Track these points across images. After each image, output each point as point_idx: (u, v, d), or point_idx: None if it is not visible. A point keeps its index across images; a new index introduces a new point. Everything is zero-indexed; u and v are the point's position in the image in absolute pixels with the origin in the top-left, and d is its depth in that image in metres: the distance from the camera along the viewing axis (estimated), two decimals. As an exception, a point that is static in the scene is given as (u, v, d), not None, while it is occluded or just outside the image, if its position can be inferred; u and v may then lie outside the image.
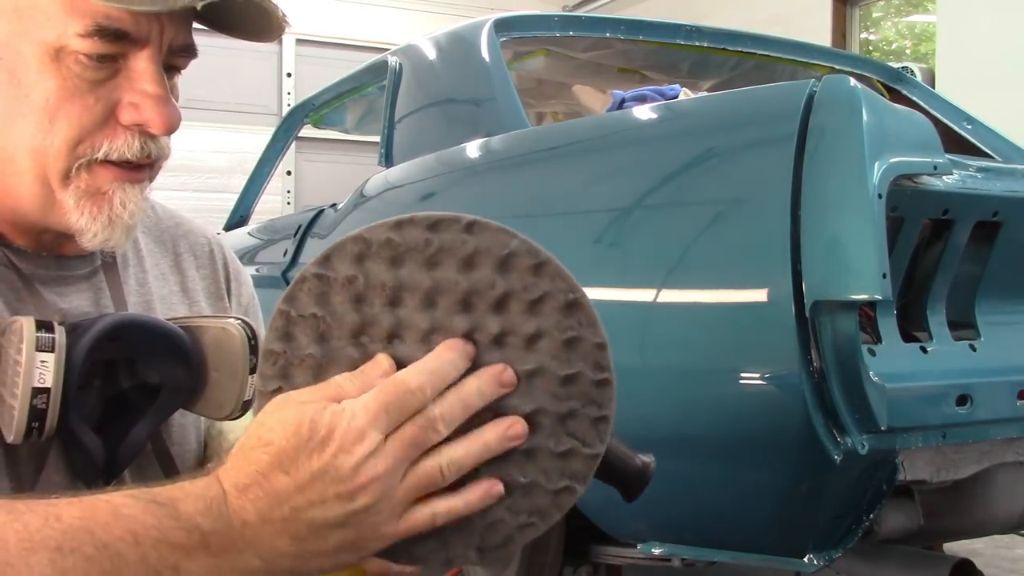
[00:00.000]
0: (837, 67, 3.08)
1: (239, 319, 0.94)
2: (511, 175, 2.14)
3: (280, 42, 7.44)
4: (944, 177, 1.54)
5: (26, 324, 0.81)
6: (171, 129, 0.87)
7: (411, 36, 2.97)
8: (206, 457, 1.03)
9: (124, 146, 0.86)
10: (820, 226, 1.41)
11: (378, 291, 0.69)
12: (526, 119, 2.32)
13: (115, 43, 0.83)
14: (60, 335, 0.82)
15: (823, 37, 6.17)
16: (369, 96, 3.41)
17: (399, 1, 8.23)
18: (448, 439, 0.68)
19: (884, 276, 1.37)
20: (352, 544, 0.68)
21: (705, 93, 2.92)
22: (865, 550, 1.73)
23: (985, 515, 1.78)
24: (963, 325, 1.70)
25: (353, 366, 0.70)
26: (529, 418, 0.70)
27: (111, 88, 0.85)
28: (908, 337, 1.59)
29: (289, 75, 7.94)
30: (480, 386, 0.68)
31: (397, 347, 0.70)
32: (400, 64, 2.81)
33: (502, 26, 2.62)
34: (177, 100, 0.89)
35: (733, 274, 1.52)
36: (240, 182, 4.35)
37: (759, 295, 1.47)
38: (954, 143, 2.87)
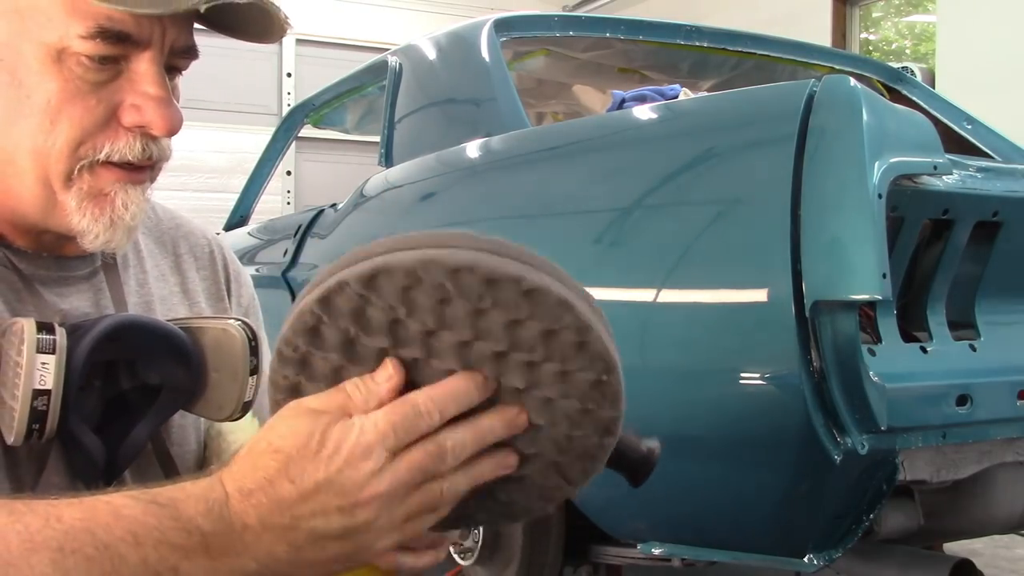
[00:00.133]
0: (837, 67, 3.08)
1: (239, 320, 0.93)
2: (511, 175, 2.14)
3: (280, 42, 7.42)
4: (944, 177, 1.55)
5: (27, 326, 0.81)
6: (173, 131, 0.87)
7: (411, 36, 2.97)
8: (206, 458, 1.03)
9: (126, 148, 0.86)
10: (820, 226, 1.41)
11: (417, 324, 0.68)
12: (526, 119, 2.32)
13: (117, 45, 0.83)
14: (61, 337, 0.82)
15: (823, 37, 6.17)
16: (369, 96, 3.41)
17: (399, 1, 8.23)
18: None
19: (884, 276, 1.37)
20: (347, 556, 0.69)
21: (705, 93, 2.92)
22: (865, 550, 1.73)
23: (985, 515, 1.78)
24: (963, 325, 1.70)
25: None
26: (526, 457, 0.72)
27: (113, 90, 0.85)
28: (908, 337, 1.59)
29: (289, 75, 7.94)
30: (494, 425, 0.70)
31: (420, 369, 0.70)
32: (400, 64, 2.81)
33: (502, 26, 2.62)
34: (178, 101, 0.89)
35: (733, 274, 1.52)
36: (240, 182, 4.35)
37: (759, 295, 1.48)
38: (954, 143, 2.86)
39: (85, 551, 0.65)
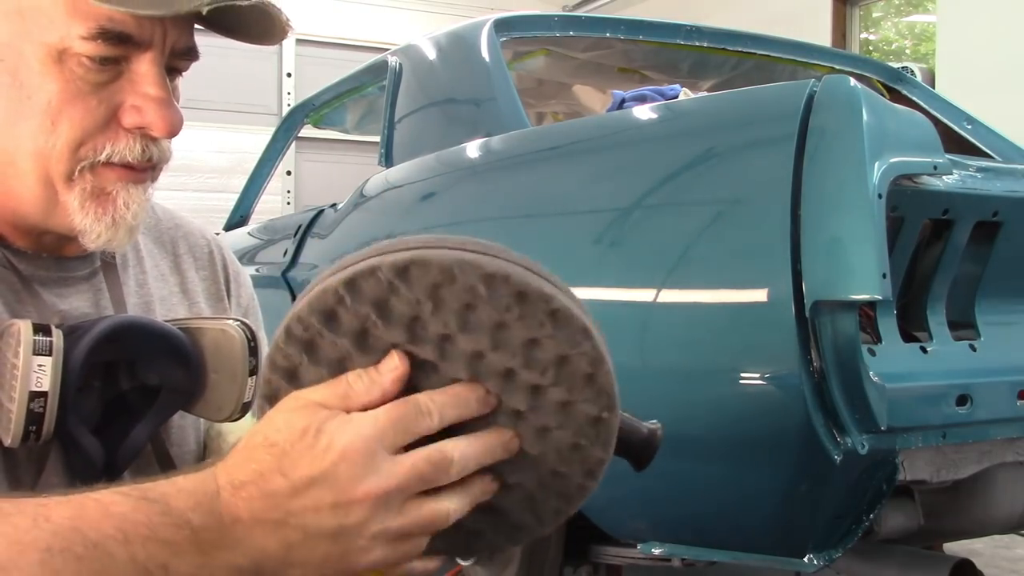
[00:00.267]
0: (837, 67, 3.08)
1: (238, 321, 0.93)
2: (511, 175, 2.14)
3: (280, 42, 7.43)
4: (944, 177, 1.54)
5: (23, 328, 0.81)
6: (173, 132, 0.87)
7: (411, 36, 2.97)
8: (205, 458, 1.03)
9: (126, 149, 0.86)
10: (820, 226, 1.41)
11: (438, 325, 0.67)
12: (526, 119, 2.32)
13: (118, 46, 0.83)
14: (57, 339, 0.82)
15: (823, 37, 6.18)
16: (369, 96, 3.41)
17: (399, 1, 8.23)
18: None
19: (884, 276, 1.37)
20: (338, 559, 0.67)
21: (705, 93, 2.92)
22: (865, 550, 1.73)
23: (985, 515, 1.78)
24: (963, 325, 1.70)
25: None
26: (506, 486, 0.71)
27: (113, 91, 0.85)
28: (908, 337, 1.59)
29: (289, 75, 7.95)
30: (495, 443, 0.69)
31: (426, 374, 0.69)
32: (400, 64, 2.81)
33: (502, 26, 2.62)
34: (178, 102, 0.89)
35: (733, 274, 1.52)
36: (240, 182, 4.35)
37: (759, 295, 1.47)
38: (954, 143, 2.86)
39: (74, 550, 0.64)
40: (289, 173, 7.77)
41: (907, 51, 6.96)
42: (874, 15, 6.91)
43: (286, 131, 3.99)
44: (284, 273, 2.87)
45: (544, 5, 7.70)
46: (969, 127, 2.97)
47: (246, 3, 0.82)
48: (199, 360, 0.91)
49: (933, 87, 4.41)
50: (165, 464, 0.96)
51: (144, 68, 0.85)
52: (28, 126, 0.83)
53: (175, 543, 0.65)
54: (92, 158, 0.85)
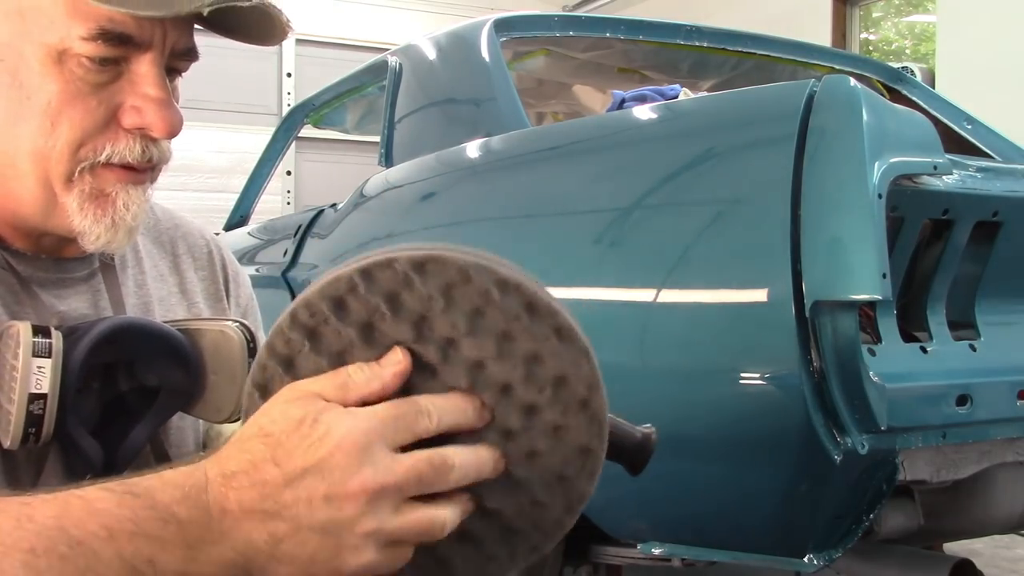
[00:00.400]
0: (837, 67, 3.08)
1: (237, 322, 0.93)
2: (511, 175, 2.14)
3: (280, 42, 7.43)
4: (944, 177, 1.54)
5: (22, 329, 0.81)
6: (173, 133, 0.87)
7: (411, 36, 2.97)
8: (205, 459, 1.03)
9: (126, 149, 0.86)
10: (820, 226, 1.41)
11: (445, 326, 0.67)
12: (526, 119, 2.32)
13: (118, 47, 0.83)
14: (57, 340, 0.82)
15: (823, 37, 6.18)
16: (369, 96, 3.41)
17: (399, 1, 8.23)
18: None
19: (884, 276, 1.37)
20: (327, 558, 0.65)
21: (705, 93, 2.92)
22: (865, 550, 1.73)
23: (985, 515, 1.78)
24: (963, 325, 1.70)
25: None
26: (484, 510, 0.70)
27: (113, 91, 0.85)
28: (908, 337, 1.59)
29: (289, 75, 7.95)
30: (486, 460, 0.68)
31: (424, 377, 0.68)
32: (400, 64, 2.81)
33: (502, 26, 2.61)
34: (178, 102, 0.89)
35: (733, 274, 1.52)
36: (240, 182, 4.35)
37: (759, 295, 1.47)
38: (954, 143, 2.86)
39: (58, 550, 0.63)
40: (289, 173, 7.77)
41: (907, 51, 6.96)
42: (874, 15, 6.91)
43: (286, 131, 3.99)
44: (284, 273, 2.87)
45: (544, 5, 7.70)
46: (969, 127, 2.97)
47: (246, 4, 0.82)
48: (198, 361, 0.91)
49: (933, 87, 4.41)
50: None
51: (144, 69, 0.85)
52: (28, 127, 0.83)
53: (161, 538, 0.64)
54: (92, 159, 0.85)
